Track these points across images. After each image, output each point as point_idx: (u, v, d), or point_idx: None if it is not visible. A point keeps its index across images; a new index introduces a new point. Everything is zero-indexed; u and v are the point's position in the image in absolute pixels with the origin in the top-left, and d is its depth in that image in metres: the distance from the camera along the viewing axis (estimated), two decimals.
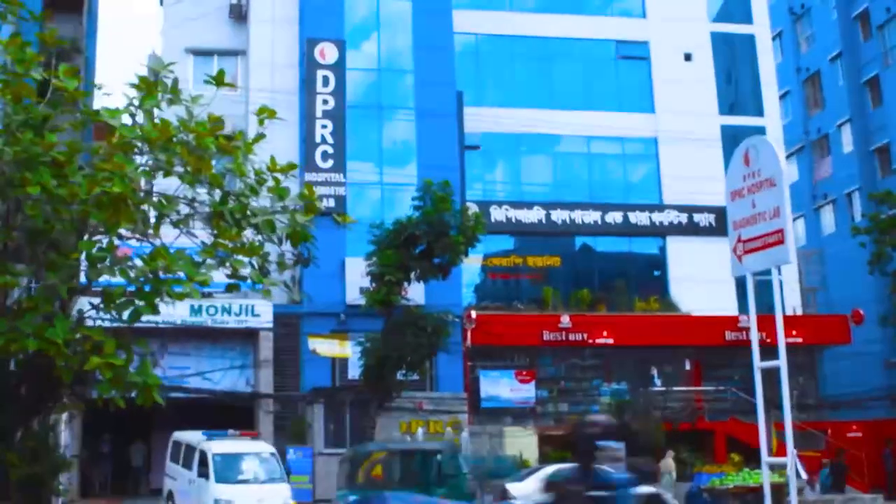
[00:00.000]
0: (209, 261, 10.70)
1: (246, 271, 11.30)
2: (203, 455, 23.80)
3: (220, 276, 11.25)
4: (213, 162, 10.78)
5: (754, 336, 14.01)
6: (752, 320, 13.96)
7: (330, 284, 31.60)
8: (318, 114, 32.83)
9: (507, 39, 37.60)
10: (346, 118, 33.09)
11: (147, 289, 9.91)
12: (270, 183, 10.93)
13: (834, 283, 45.52)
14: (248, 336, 30.80)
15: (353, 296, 31.05)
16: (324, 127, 32.74)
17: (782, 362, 13.27)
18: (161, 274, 9.81)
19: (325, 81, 33.14)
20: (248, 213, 10.86)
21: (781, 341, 13.31)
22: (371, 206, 32.56)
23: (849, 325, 35.45)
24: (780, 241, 13.18)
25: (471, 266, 35.35)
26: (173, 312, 29.30)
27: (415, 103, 33.92)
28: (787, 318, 36.06)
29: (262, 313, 30.45)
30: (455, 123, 34.00)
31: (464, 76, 35.91)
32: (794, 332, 35.04)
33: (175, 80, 10.82)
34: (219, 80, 11.48)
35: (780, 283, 13.45)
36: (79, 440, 29.48)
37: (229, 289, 11.36)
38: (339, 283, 31.70)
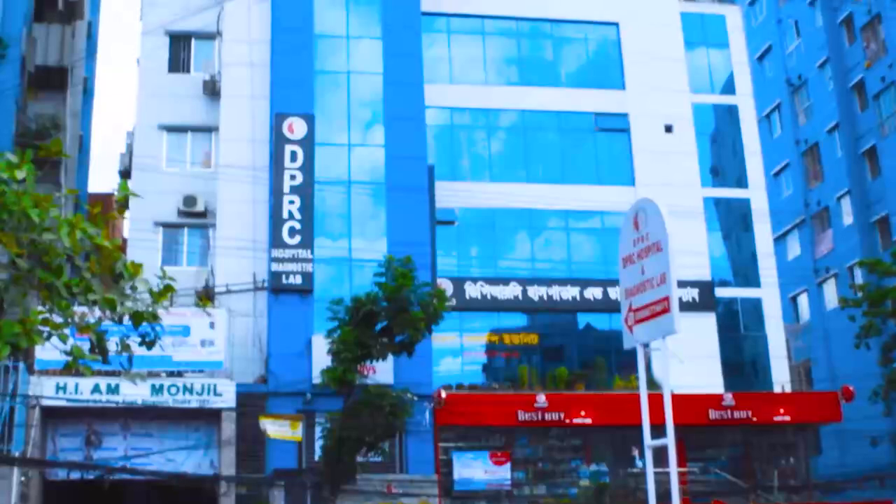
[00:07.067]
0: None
1: (85, 348, 10.97)
2: None
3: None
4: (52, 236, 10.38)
5: (645, 412, 13.20)
6: (642, 394, 13.13)
7: (297, 363, 30.87)
8: (286, 189, 32.28)
9: (481, 112, 36.93)
10: (315, 193, 32.55)
11: None
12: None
13: (839, 359, 44.32)
14: (212, 416, 30.01)
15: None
16: (291, 202, 32.16)
17: (670, 440, 12.48)
18: None
19: (293, 156, 32.65)
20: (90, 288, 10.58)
21: (669, 418, 12.46)
22: (340, 283, 31.92)
23: (839, 402, 34.10)
24: (667, 310, 12.39)
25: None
26: (135, 392, 29.22)
27: (385, 178, 33.29)
28: (775, 396, 35.32)
29: (224, 392, 29.75)
30: (426, 198, 33.30)
31: (438, 150, 35.40)
32: (781, 410, 33.92)
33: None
34: (55, 149, 11.15)
35: (669, 356, 12.57)
36: None
37: (67, 366, 11.05)
38: (306, 362, 30.87)
